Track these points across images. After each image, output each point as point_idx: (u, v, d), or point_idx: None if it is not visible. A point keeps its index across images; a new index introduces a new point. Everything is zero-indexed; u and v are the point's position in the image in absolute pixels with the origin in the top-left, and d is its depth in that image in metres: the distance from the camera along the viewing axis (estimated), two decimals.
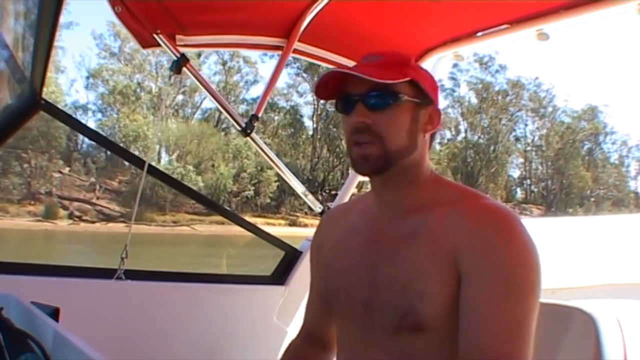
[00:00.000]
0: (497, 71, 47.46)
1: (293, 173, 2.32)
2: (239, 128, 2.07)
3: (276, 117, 44.07)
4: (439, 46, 2.16)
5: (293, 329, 2.14)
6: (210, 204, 2.61)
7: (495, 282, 0.92)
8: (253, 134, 2.08)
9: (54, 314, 1.16)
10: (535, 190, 51.12)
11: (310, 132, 45.46)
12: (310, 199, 2.35)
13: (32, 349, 0.93)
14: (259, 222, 34.74)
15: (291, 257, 2.25)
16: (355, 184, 2.35)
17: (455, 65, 44.09)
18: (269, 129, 42.58)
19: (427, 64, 2.24)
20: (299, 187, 2.32)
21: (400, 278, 0.98)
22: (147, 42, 1.88)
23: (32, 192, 35.06)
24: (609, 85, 71.42)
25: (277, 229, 31.54)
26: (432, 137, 1.09)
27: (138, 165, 2.03)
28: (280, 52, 2.09)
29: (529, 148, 50.82)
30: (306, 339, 1.25)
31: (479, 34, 2.01)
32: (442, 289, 0.95)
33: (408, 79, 1.00)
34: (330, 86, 1.05)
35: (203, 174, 38.33)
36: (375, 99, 1.00)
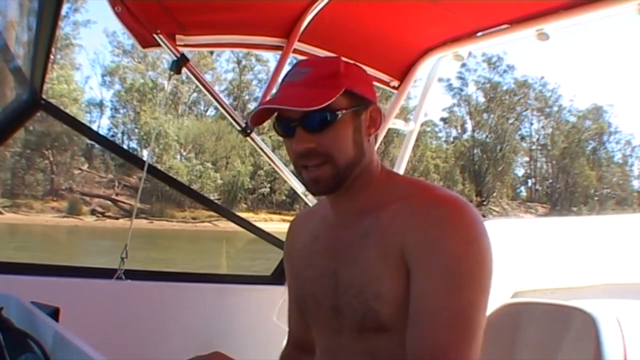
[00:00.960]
0: (505, 71, 48.07)
1: (293, 173, 2.32)
2: (239, 128, 2.07)
3: None
4: (439, 46, 2.16)
5: None
6: (209, 203, 2.61)
7: (437, 274, 0.90)
8: (253, 134, 2.08)
9: (54, 314, 1.16)
10: (540, 188, 51.47)
11: None
12: (310, 199, 2.35)
13: (32, 349, 0.93)
14: (275, 218, 36.48)
15: None
16: None
17: (463, 65, 44.82)
18: None
19: (427, 64, 2.24)
20: (298, 187, 2.31)
21: (356, 281, 0.99)
22: (147, 42, 1.88)
23: (55, 189, 35.96)
24: (614, 85, 71.71)
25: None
26: (377, 134, 1.07)
27: (138, 165, 2.04)
28: (280, 52, 2.09)
29: (534, 147, 51.35)
30: (294, 347, 1.25)
31: (479, 34, 2.01)
32: (396, 287, 0.94)
33: (341, 91, 0.96)
34: (263, 113, 1.02)
35: (220, 171, 38.94)
36: (313, 122, 0.96)
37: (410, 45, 2.17)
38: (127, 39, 40.94)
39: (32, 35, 1.53)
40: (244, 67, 45.13)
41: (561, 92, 60.91)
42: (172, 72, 1.95)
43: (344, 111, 0.97)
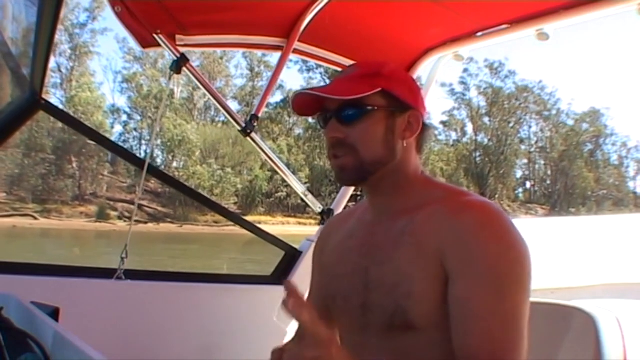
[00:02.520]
0: (506, 76, 49.83)
1: (295, 174, 2.32)
2: (239, 128, 2.07)
3: (291, 120, 45.73)
4: (439, 46, 2.16)
5: (293, 329, 2.13)
6: (211, 204, 2.60)
7: (481, 279, 0.92)
8: (253, 134, 2.08)
9: (54, 314, 1.16)
10: (538, 190, 52.59)
11: None
12: (310, 199, 2.35)
13: (32, 349, 0.93)
14: (292, 221, 38.55)
15: (291, 257, 2.25)
16: (352, 188, 2.35)
17: (465, 70, 46.36)
18: (287, 132, 44.12)
19: (427, 64, 2.24)
20: (299, 187, 2.32)
21: (388, 279, 1.00)
22: (147, 42, 1.88)
23: (81, 194, 37.51)
24: (611, 88, 72.86)
25: (308, 228, 33.70)
26: (420, 140, 1.09)
27: (138, 165, 2.04)
28: (280, 52, 2.09)
29: (533, 149, 52.77)
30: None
31: (479, 34, 2.01)
32: (429, 288, 0.96)
33: (377, 90, 1.01)
34: (310, 104, 1.07)
35: (239, 176, 40.53)
36: (345, 114, 1.02)
37: (410, 45, 2.17)
38: (138, 45, 42.36)
39: (32, 36, 1.53)
40: (257, 74, 46.52)
41: (560, 95, 63.76)
42: (172, 72, 1.95)
43: (376, 108, 1.02)
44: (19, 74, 1.80)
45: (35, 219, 34.75)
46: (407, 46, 2.16)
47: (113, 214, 36.58)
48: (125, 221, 35.35)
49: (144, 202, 37.17)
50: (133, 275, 1.90)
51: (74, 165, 37.86)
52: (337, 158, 1.04)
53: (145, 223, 36.17)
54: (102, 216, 35.76)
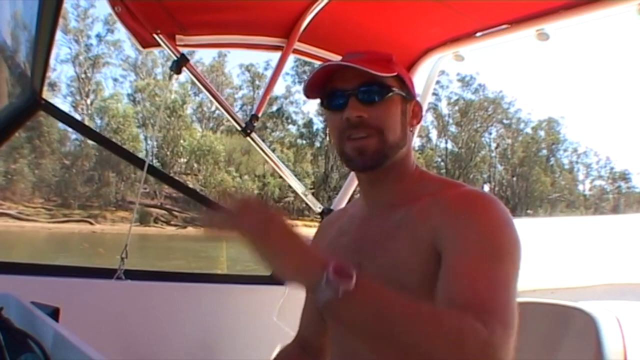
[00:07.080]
0: (476, 89, 55.21)
1: (294, 174, 2.33)
2: (239, 128, 2.07)
3: (290, 127, 49.23)
4: (439, 46, 2.16)
5: (293, 329, 2.13)
6: (211, 204, 2.60)
7: (475, 246, 0.89)
8: (253, 134, 2.08)
9: (54, 314, 1.16)
10: (498, 193, 56.64)
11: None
12: (310, 199, 2.35)
13: (32, 349, 0.93)
14: (299, 224, 39.90)
15: None
16: (354, 186, 2.36)
17: (437, 82, 49.73)
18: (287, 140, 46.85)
19: (427, 64, 2.24)
20: (299, 188, 2.32)
21: (382, 271, 0.98)
22: (147, 42, 1.88)
23: (117, 200, 39.34)
24: (566, 98, 78.04)
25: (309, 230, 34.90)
26: (413, 133, 1.11)
27: (138, 165, 2.04)
28: (280, 52, 2.09)
29: (494, 155, 57.91)
30: (298, 346, 1.25)
31: (479, 34, 2.02)
32: (424, 279, 0.93)
33: (395, 73, 1.02)
34: (314, 85, 1.03)
35: (255, 182, 43.11)
36: (369, 93, 1.00)
37: (410, 45, 2.17)
38: (135, 54, 44.02)
39: (32, 36, 1.53)
40: (258, 86, 48.45)
41: (520, 105, 72.12)
42: (172, 72, 1.95)
43: (396, 90, 1.02)
44: (19, 74, 1.80)
45: (92, 224, 36.10)
46: (407, 46, 2.17)
47: (150, 218, 38.45)
48: (160, 225, 37.42)
49: (169, 207, 38.60)
50: (133, 275, 1.90)
51: (98, 171, 39.55)
52: (357, 140, 0.99)
53: (185, 227, 37.79)
54: (143, 221, 37.35)
